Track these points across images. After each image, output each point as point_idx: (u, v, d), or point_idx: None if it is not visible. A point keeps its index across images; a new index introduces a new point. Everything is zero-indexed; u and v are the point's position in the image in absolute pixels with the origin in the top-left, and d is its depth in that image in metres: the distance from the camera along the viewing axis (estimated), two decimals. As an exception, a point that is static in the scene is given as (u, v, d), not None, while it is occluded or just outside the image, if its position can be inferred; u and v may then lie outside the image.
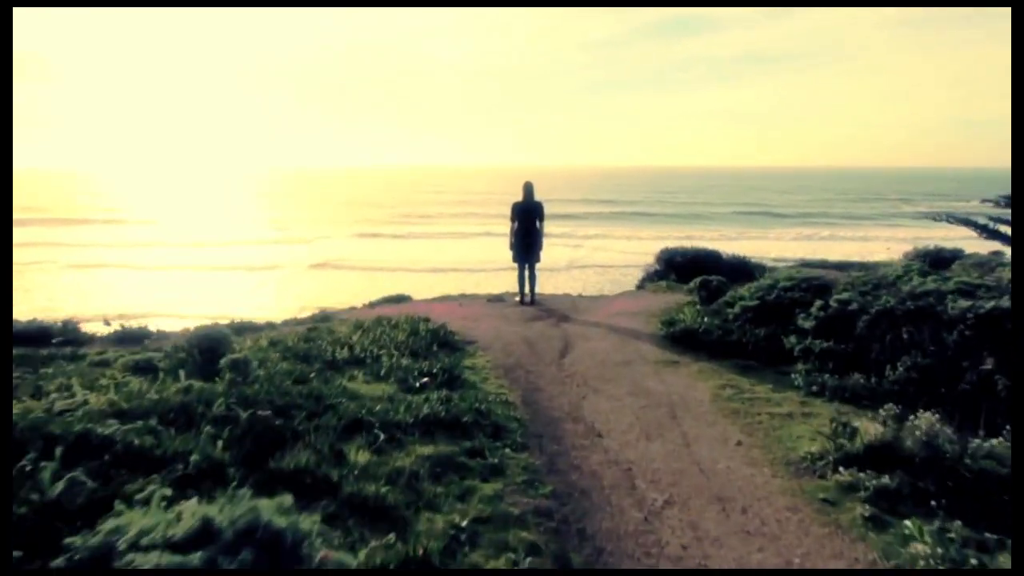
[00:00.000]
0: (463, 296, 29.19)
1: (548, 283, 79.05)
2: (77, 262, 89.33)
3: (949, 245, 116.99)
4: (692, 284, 21.13)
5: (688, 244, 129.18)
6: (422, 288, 73.49)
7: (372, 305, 26.48)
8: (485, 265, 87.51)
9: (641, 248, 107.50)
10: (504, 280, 79.63)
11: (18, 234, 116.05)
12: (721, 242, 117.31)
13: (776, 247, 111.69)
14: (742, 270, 26.02)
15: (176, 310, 65.08)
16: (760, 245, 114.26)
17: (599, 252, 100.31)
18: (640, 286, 29.84)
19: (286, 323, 23.16)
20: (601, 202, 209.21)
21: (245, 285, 76.16)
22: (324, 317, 22.86)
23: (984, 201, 38.57)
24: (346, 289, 74.09)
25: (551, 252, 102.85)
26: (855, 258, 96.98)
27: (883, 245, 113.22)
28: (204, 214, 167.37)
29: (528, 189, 22.56)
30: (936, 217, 38.60)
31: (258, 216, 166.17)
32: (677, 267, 27.94)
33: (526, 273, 22.62)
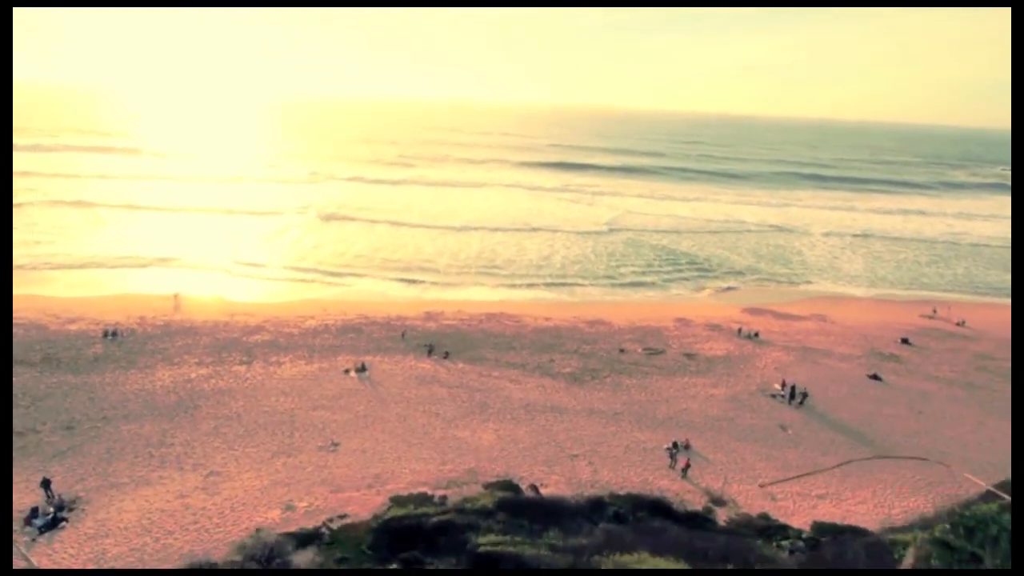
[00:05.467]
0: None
1: (586, 247, 70.59)
2: (76, 198, 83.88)
3: (1000, 219, 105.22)
4: None
5: (728, 210, 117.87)
6: (432, 251, 66.71)
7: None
8: (504, 224, 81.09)
9: (675, 211, 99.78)
10: (519, 245, 73.80)
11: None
12: (766, 208, 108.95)
13: (832, 218, 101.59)
14: None
15: (176, 258, 59.89)
16: (814, 216, 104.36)
17: (632, 216, 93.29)
18: None
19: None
20: (625, 152, 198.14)
21: (248, 234, 70.13)
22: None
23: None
24: (354, 250, 67.84)
25: (581, 212, 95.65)
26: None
27: (940, 221, 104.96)
28: (215, 146, 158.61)
29: None
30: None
31: (268, 149, 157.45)
32: None
33: None
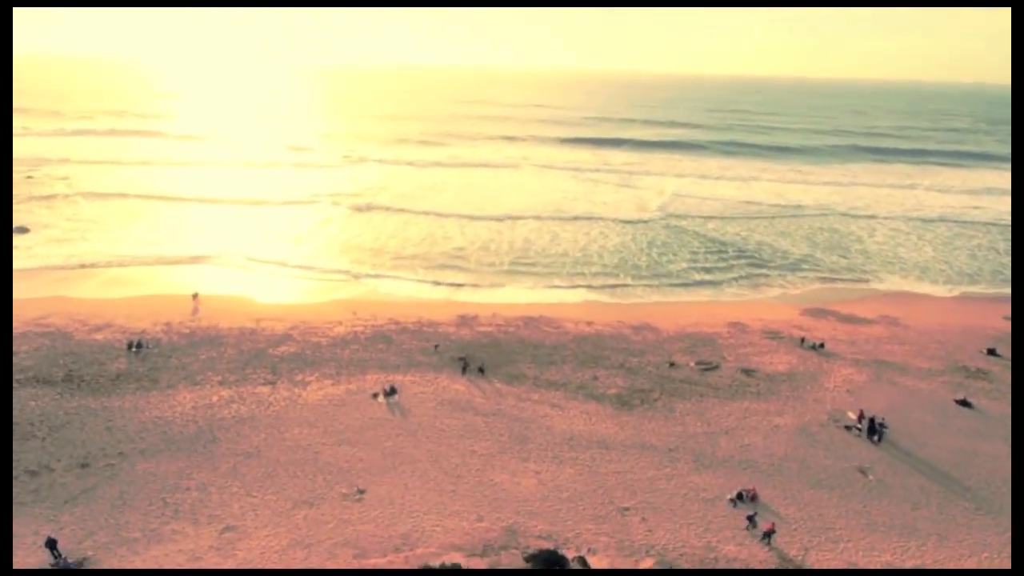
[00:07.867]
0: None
1: (627, 236, 62.02)
2: (108, 189, 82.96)
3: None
4: None
5: (778, 189, 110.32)
6: (464, 242, 60.55)
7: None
8: (539, 212, 77.02)
9: (722, 192, 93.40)
10: (555, 235, 68.49)
11: (34, 145, 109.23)
12: (820, 187, 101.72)
13: (893, 197, 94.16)
14: None
15: (207, 256, 58.16)
16: (873, 195, 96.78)
17: (675, 200, 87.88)
18: None
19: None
20: (663, 124, 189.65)
21: (279, 227, 67.86)
22: None
23: None
24: (385, 242, 64.83)
25: (620, 195, 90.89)
26: None
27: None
28: (247, 127, 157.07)
29: None
30: None
31: (301, 128, 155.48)
32: None
33: None
